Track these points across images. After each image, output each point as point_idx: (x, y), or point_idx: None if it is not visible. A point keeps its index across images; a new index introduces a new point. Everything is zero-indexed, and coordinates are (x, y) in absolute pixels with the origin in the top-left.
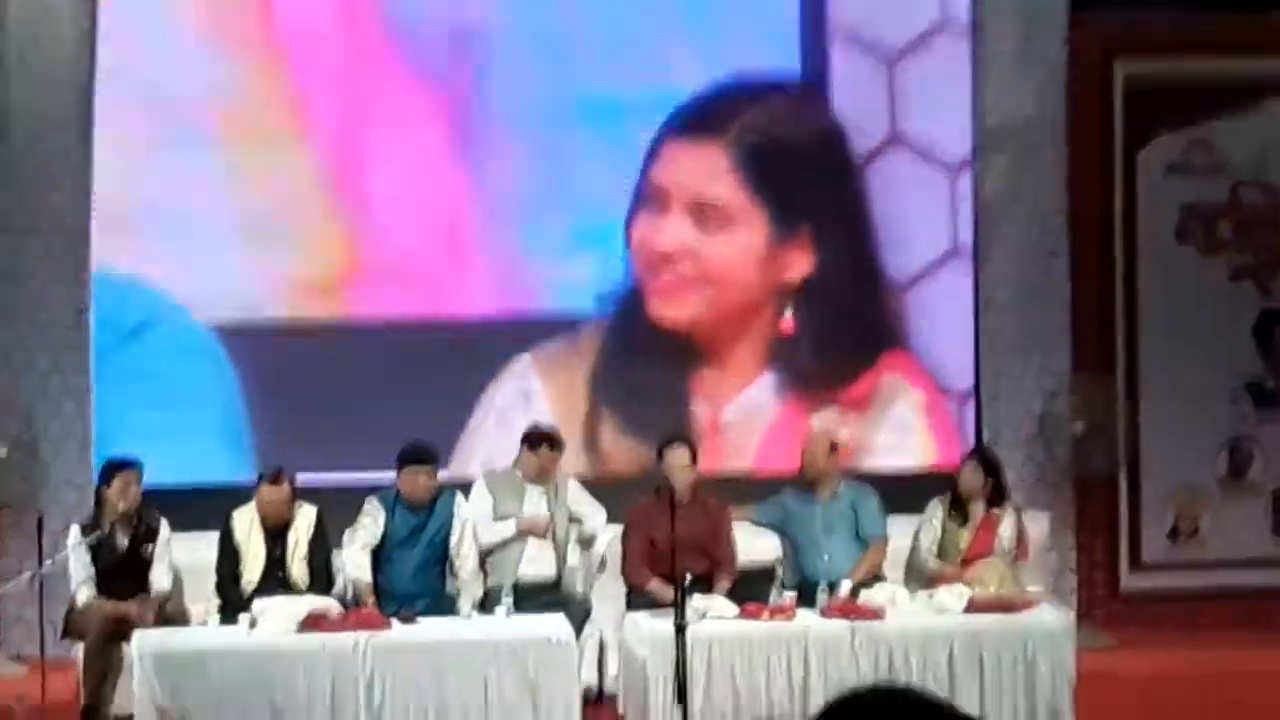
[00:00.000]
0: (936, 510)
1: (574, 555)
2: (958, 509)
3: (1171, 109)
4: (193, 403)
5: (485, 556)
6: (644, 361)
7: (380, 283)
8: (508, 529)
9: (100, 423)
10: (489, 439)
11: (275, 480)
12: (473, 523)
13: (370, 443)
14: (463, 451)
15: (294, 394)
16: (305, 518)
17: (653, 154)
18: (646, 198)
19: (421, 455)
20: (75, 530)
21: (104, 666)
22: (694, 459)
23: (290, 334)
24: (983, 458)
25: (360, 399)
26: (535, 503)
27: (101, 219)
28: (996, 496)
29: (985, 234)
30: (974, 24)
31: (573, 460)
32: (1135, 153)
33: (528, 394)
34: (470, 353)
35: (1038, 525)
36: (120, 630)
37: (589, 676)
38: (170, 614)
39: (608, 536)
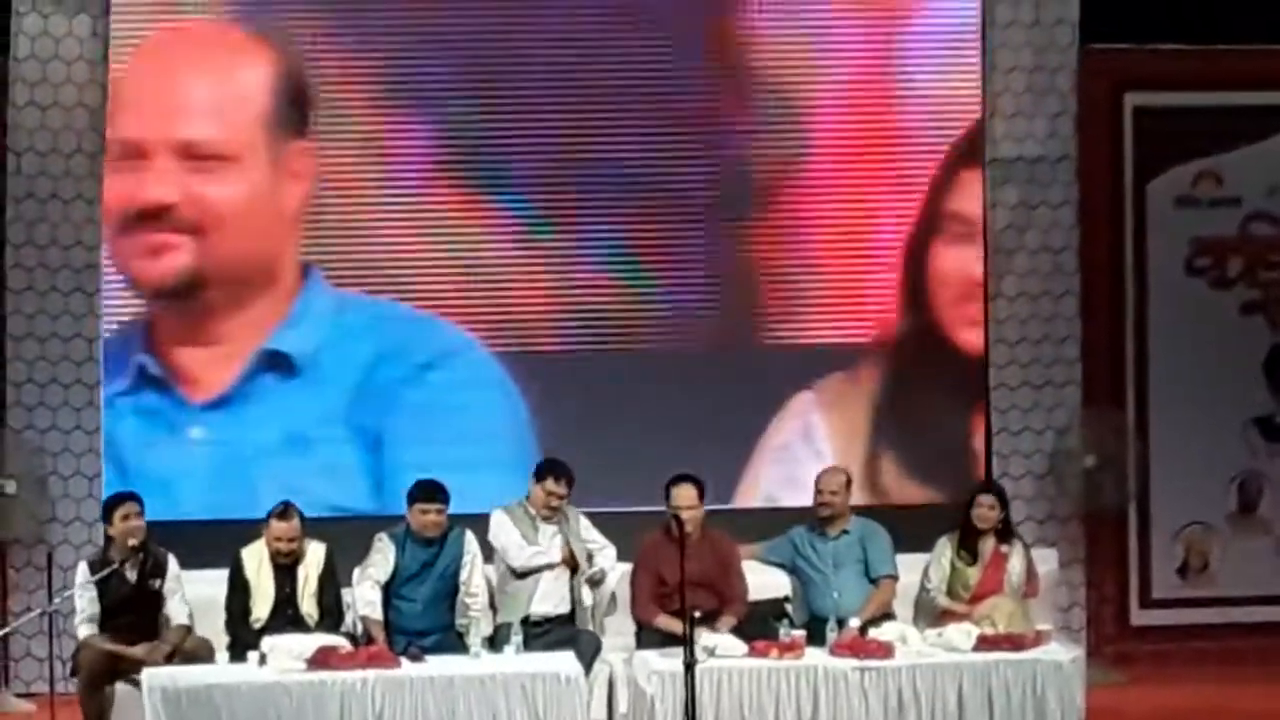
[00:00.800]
0: (945, 548)
1: (584, 592)
2: (967, 547)
3: (1181, 142)
4: (484, 435)
5: (504, 587)
6: (929, 394)
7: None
8: (552, 555)
9: (111, 459)
10: (769, 472)
11: (285, 516)
12: (481, 560)
13: (650, 475)
14: (745, 485)
15: (578, 425)
16: (315, 554)
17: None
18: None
19: (430, 493)
20: (84, 567)
21: (98, 704)
22: (701, 496)
23: (574, 363)
24: (997, 492)
25: (641, 430)
26: (549, 536)
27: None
28: (1005, 532)
29: (995, 267)
30: (984, 57)
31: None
32: (1145, 185)
33: (809, 428)
34: (752, 385)
35: (1047, 561)
36: (116, 669)
37: (598, 713)
38: (192, 649)
39: (618, 573)
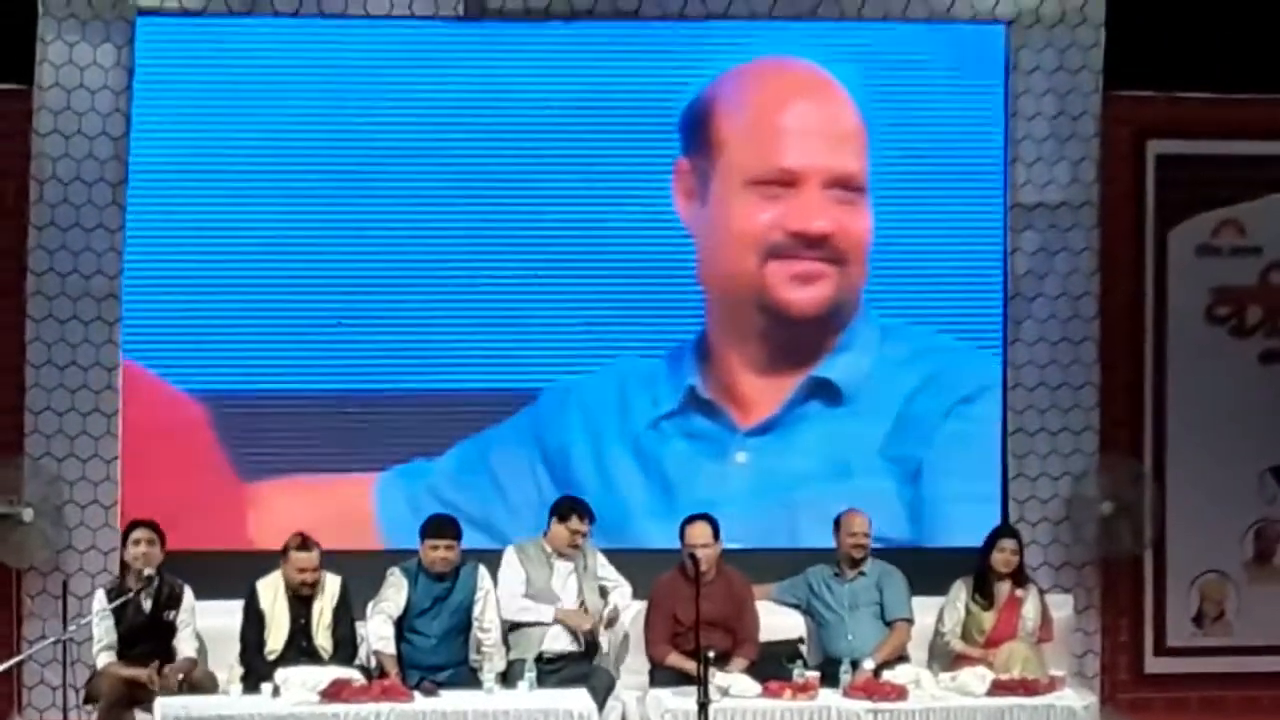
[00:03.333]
0: (960, 592)
1: (589, 629)
2: (982, 591)
3: (1203, 190)
4: None
5: (511, 629)
6: None
7: None
8: (544, 614)
9: (655, 480)
10: None
11: (305, 546)
12: (495, 595)
13: None
14: None
15: None
16: (331, 587)
17: None
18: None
19: (441, 529)
20: (101, 595)
21: None
22: (716, 535)
23: None
24: (1016, 536)
25: None
26: (564, 576)
27: None
28: (1020, 577)
29: (1015, 313)
30: (1007, 102)
31: None
32: (1166, 233)
33: None
34: None
35: (1062, 607)
36: (133, 695)
37: None
38: (197, 680)
39: (633, 611)
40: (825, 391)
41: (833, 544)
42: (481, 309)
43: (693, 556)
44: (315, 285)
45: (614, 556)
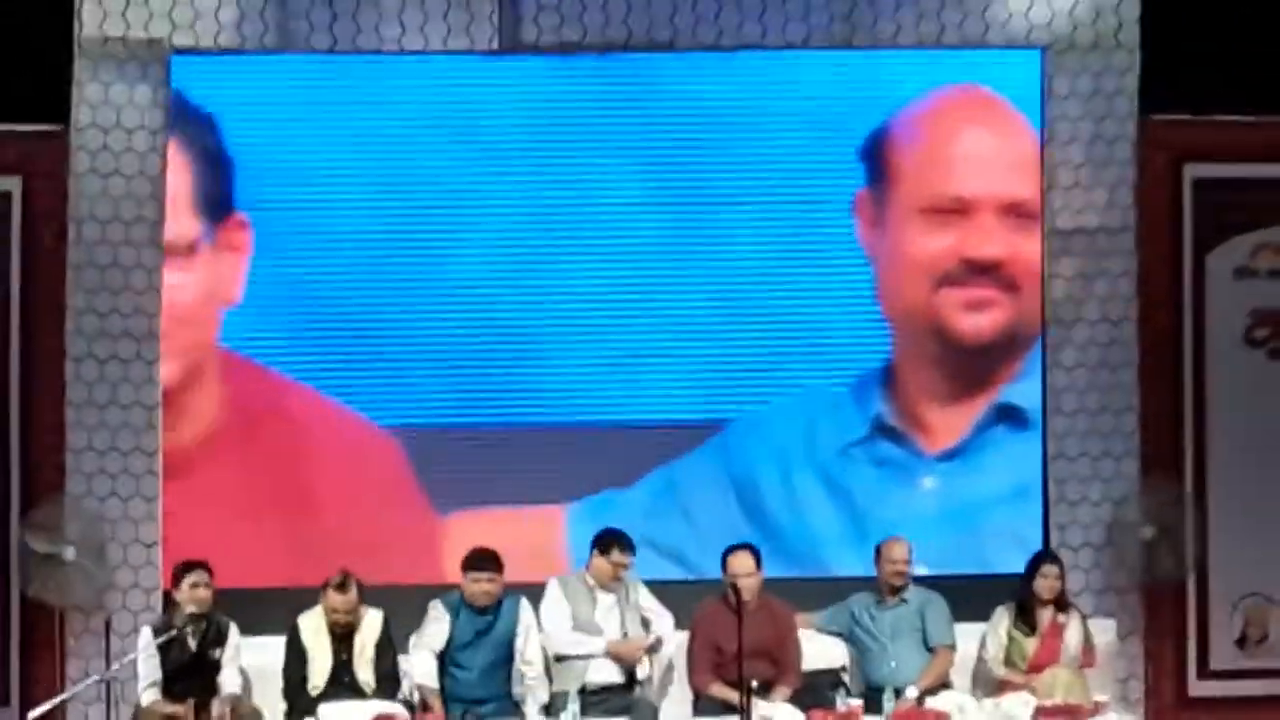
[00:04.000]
0: (1003, 618)
1: (642, 665)
2: (1024, 617)
3: (1240, 213)
4: None
5: (557, 660)
6: None
7: None
8: (596, 646)
9: (843, 506)
10: None
11: (342, 587)
12: (537, 628)
13: None
14: None
15: None
16: (372, 621)
17: None
18: None
19: (483, 563)
20: (147, 632)
21: None
22: (758, 564)
23: None
24: (1058, 561)
25: None
26: (607, 607)
27: None
28: (1062, 602)
29: (1054, 338)
30: (1043, 128)
31: None
32: (1204, 257)
33: None
34: None
35: (1105, 632)
36: None
37: None
38: (242, 715)
39: (675, 642)
40: (1011, 416)
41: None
42: (671, 341)
43: (734, 586)
44: (499, 318)
45: (657, 589)
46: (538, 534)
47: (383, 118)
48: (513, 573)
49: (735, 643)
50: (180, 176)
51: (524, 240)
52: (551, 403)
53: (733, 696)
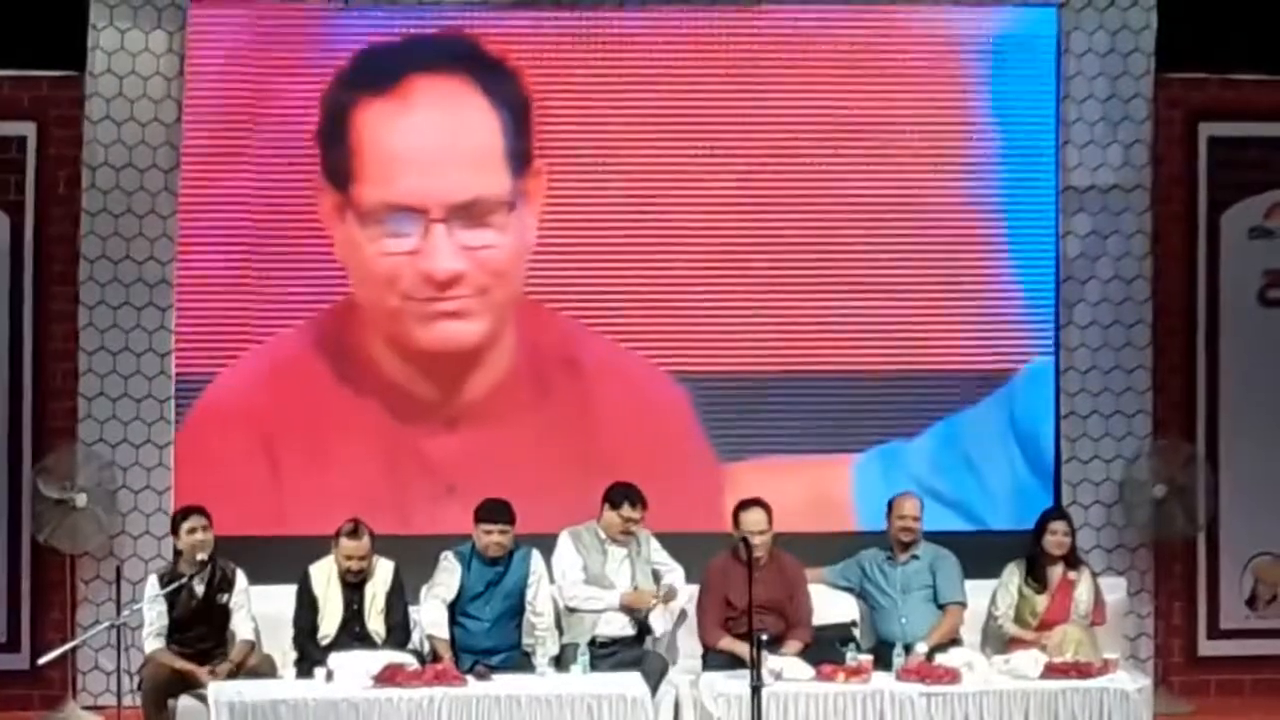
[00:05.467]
0: (1013, 575)
1: (654, 614)
2: (1035, 574)
3: (1255, 172)
4: None
5: (567, 613)
6: None
7: None
8: (610, 599)
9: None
10: None
11: (354, 534)
12: (548, 579)
13: None
14: None
15: None
16: (383, 572)
17: None
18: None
19: (495, 514)
20: (154, 580)
21: (164, 718)
22: (770, 520)
23: None
24: (1067, 518)
25: None
26: (619, 560)
27: None
28: (1072, 559)
29: (1067, 296)
30: (1059, 86)
31: None
32: (1219, 216)
33: None
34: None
35: (1115, 590)
36: (182, 683)
37: None
38: (255, 664)
39: (686, 594)
40: None
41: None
42: (958, 292)
43: (746, 541)
44: (789, 267)
45: (668, 541)
46: (823, 484)
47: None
48: (799, 523)
49: (746, 597)
50: (491, 133)
51: (810, 192)
52: (840, 350)
53: (741, 650)
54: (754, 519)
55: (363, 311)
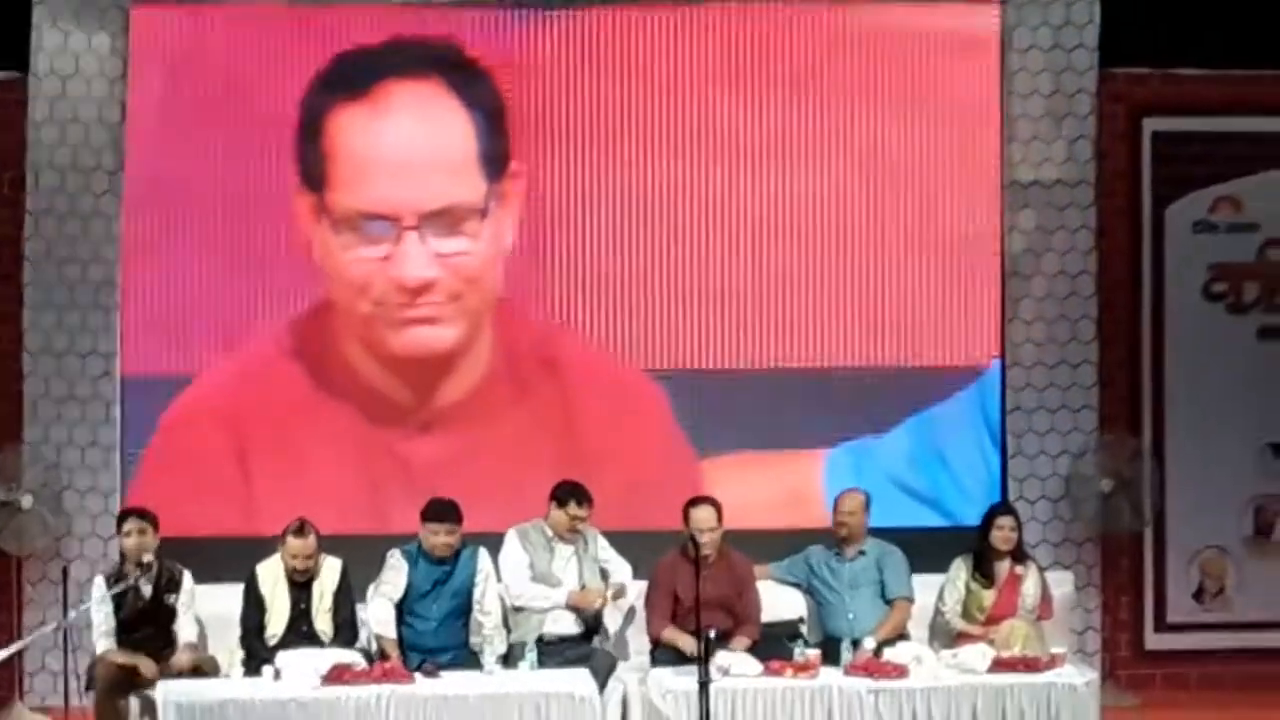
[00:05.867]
0: (960, 570)
1: (605, 612)
2: (982, 569)
3: (1199, 167)
4: None
5: (514, 611)
6: None
7: None
8: (557, 597)
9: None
10: None
11: (300, 533)
12: (495, 578)
13: None
14: None
15: None
16: (330, 571)
17: None
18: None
19: (441, 514)
20: (100, 581)
21: (115, 717)
22: (719, 517)
23: None
24: (1014, 513)
25: None
26: (566, 558)
27: None
28: (1019, 554)
29: (1012, 291)
30: (1002, 80)
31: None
32: (1163, 210)
33: None
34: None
35: (1062, 584)
36: (131, 681)
37: None
38: (199, 663)
39: (635, 592)
40: None
41: None
42: (930, 287)
43: (694, 539)
44: (761, 262)
45: (616, 538)
46: (795, 479)
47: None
48: (769, 519)
49: (693, 593)
50: (466, 138)
51: (786, 185)
52: (811, 347)
53: (686, 642)
54: (702, 516)
55: (338, 314)
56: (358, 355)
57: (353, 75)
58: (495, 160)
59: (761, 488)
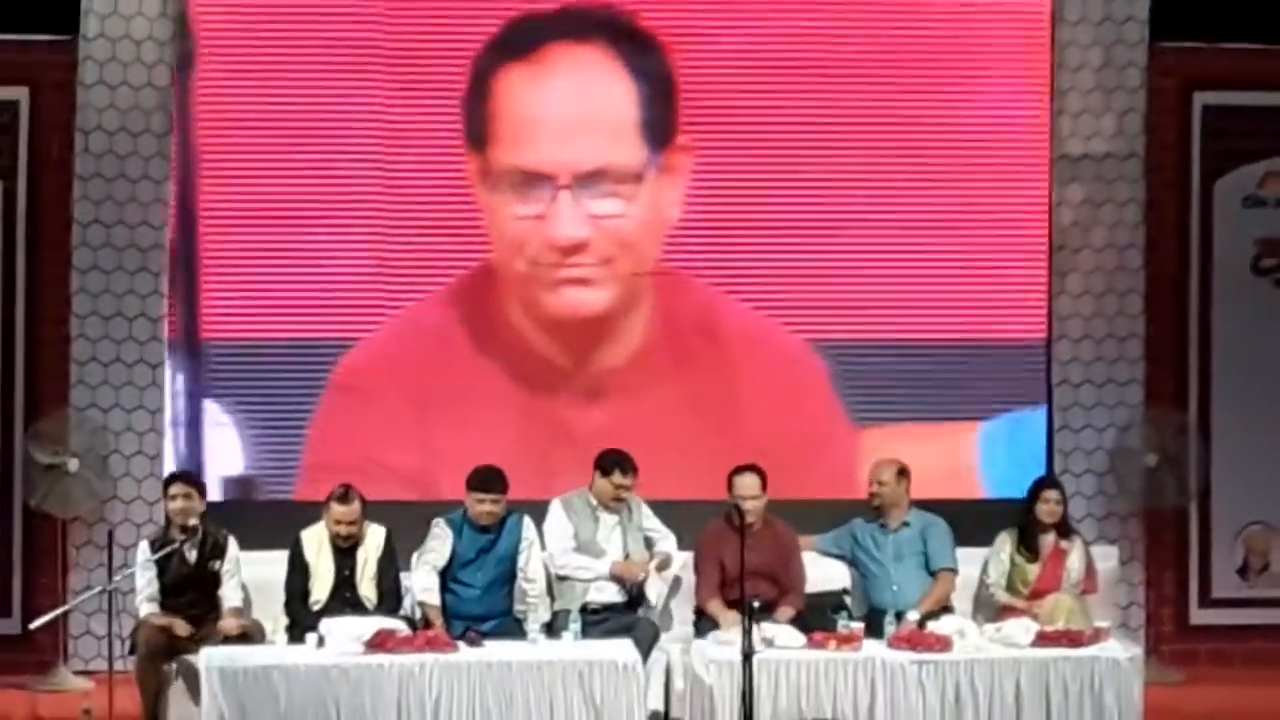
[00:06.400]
0: (1005, 543)
1: (649, 583)
2: (1027, 543)
3: (1249, 141)
4: None
5: (558, 580)
6: None
7: None
8: (600, 568)
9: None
10: None
11: (344, 499)
12: (540, 546)
13: None
14: None
15: None
16: (374, 537)
17: None
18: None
19: (488, 483)
20: (144, 546)
21: (157, 681)
22: (764, 486)
23: None
24: (1059, 486)
25: None
26: (610, 528)
27: None
28: (1064, 528)
29: (1059, 264)
30: (1053, 53)
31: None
32: (1212, 184)
33: None
34: None
35: (1107, 559)
36: (173, 645)
37: (655, 701)
38: (244, 630)
39: (679, 562)
40: None
41: None
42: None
43: (739, 508)
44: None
45: (661, 507)
46: (950, 451)
47: None
48: (926, 489)
49: (738, 563)
50: (627, 104)
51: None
52: (970, 320)
53: (729, 618)
54: (746, 484)
55: (499, 276)
56: (518, 317)
57: (521, 39)
58: (659, 129)
59: (918, 458)
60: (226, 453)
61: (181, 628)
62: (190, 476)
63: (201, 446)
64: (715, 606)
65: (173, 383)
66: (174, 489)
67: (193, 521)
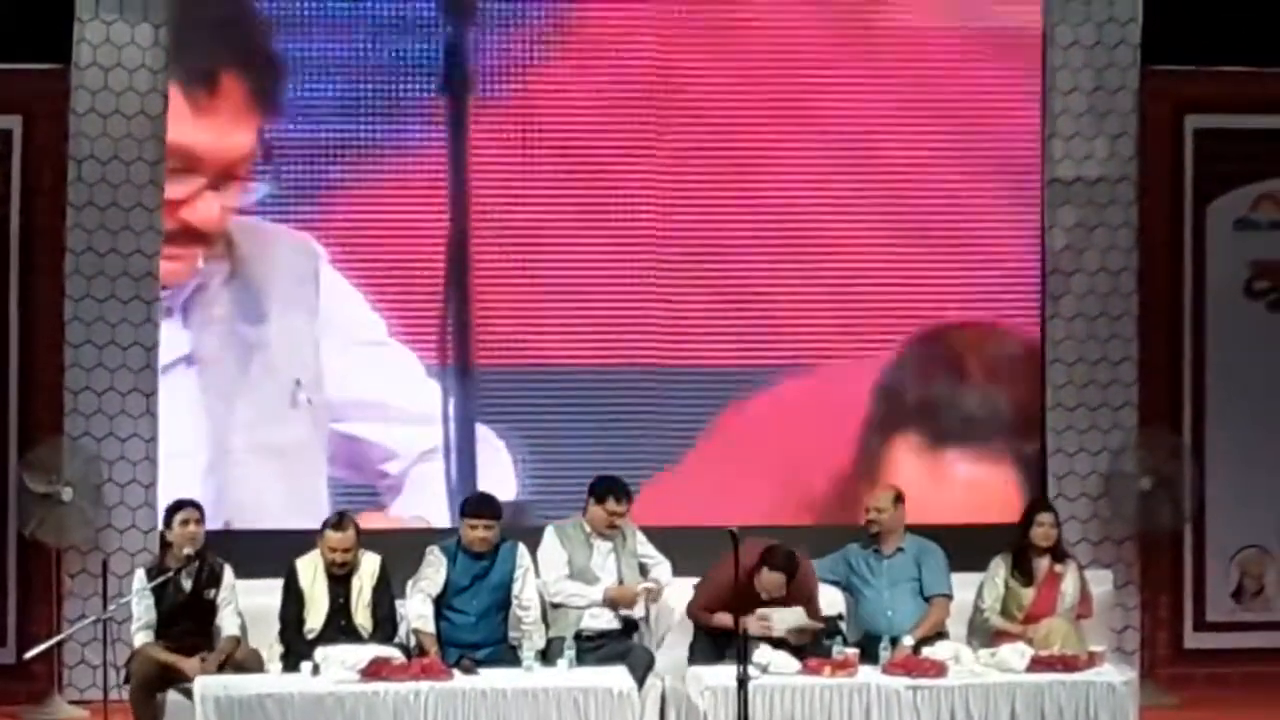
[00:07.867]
0: (1000, 568)
1: (639, 607)
2: (1021, 567)
3: (1241, 164)
4: None
5: (552, 607)
6: None
7: None
8: (594, 595)
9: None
10: None
11: (339, 526)
12: (534, 573)
13: None
14: None
15: None
16: (369, 564)
17: None
18: None
19: (481, 509)
20: (140, 574)
21: (152, 711)
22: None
23: None
24: (1052, 510)
25: None
26: (604, 555)
27: None
28: (1058, 552)
29: (1053, 288)
30: (1045, 77)
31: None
32: (1205, 207)
33: None
34: None
35: (1102, 583)
36: (167, 675)
37: None
38: (241, 659)
39: (673, 587)
40: None
41: None
42: None
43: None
44: None
45: (656, 534)
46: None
47: None
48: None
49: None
50: None
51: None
52: None
53: (726, 622)
54: (773, 581)
55: None
56: None
57: None
58: None
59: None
60: (500, 478)
61: (190, 666)
62: (196, 504)
63: (474, 471)
64: (706, 616)
65: (444, 407)
66: (183, 514)
67: (190, 549)
